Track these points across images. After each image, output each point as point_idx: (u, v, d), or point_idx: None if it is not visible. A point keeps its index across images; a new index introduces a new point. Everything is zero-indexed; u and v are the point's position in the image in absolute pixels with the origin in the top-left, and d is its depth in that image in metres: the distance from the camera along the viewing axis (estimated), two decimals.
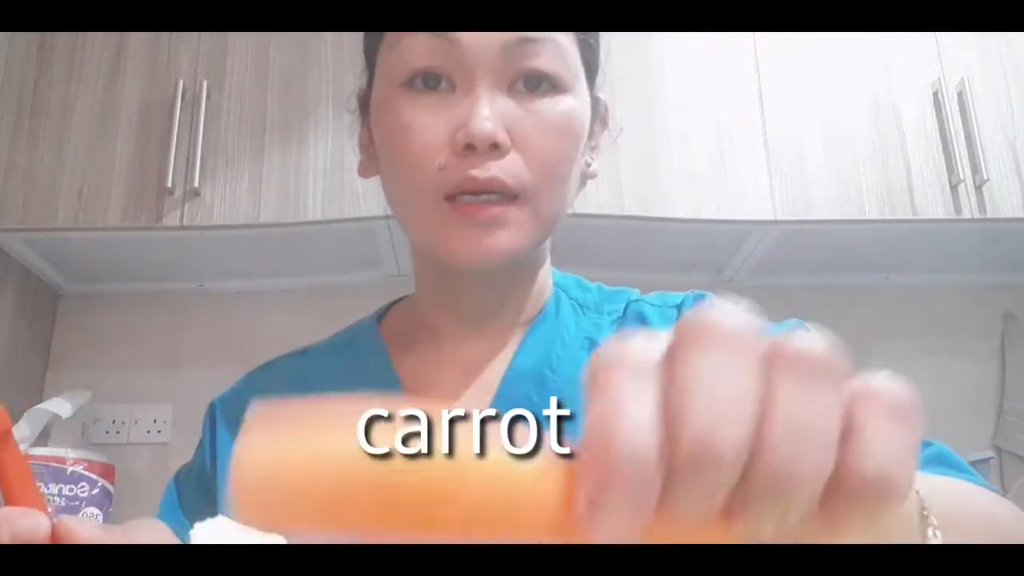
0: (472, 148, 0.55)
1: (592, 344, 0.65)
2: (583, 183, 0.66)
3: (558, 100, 0.58)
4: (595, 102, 0.65)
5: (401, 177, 0.59)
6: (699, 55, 1.70)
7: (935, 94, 1.68)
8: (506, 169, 0.56)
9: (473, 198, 0.56)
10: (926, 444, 0.55)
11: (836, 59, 1.72)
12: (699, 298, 0.67)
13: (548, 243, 0.67)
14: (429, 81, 0.57)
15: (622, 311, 0.68)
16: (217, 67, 1.68)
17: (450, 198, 0.56)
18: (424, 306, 0.68)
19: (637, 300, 0.68)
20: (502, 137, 0.55)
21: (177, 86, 1.64)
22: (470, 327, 0.66)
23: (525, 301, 0.66)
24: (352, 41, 1.70)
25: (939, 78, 1.69)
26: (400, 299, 0.74)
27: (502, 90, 0.57)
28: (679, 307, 0.66)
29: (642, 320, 0.66)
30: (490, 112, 0.55)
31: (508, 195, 0.56)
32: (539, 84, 0.58)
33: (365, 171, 0.67)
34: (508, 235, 0.57)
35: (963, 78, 1.67)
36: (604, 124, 0.69)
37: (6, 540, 0.39)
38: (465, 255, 0.57)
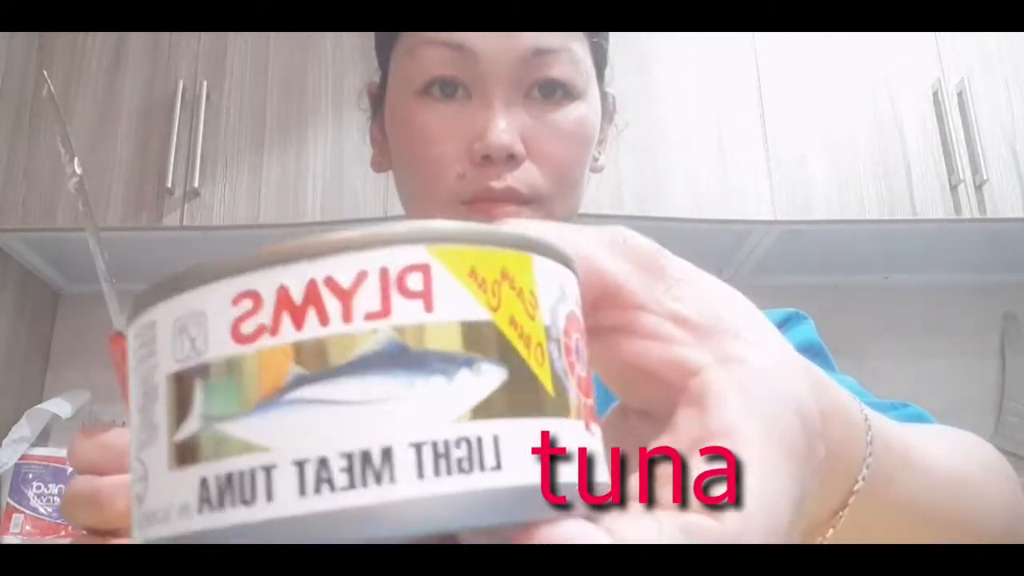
0: (489, 159, 0.57)
1: None
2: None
3: (571, 108, 0.60)
4: (604, 97, 0.66)
5: (419, 183, 0.61)
6: (699, 55, 1.70)
7: (935, 94, 1.68)
8: (521, 179, 0.58)
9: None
10: (903, 405, 0.56)
11: (836, 59, 1.71)
12: (799, 318, 0.66)
13: None
14: (447, 89, 0.59)
15: None
16: (217, 67, 1.68)
17: (467, 203, 0.59)
18: None
19: None
20: (518, 149, 0.58)
21: (177, 86, 1.64)
22: None
23: None
24: (352, 41, 1.70)
25: (939, 78, 1.69)
26: None
27: (518, 98, 0.59)
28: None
29: None
30: (506, 124, 0.58)
31: (523, 202, 0.59)
32: (553, 92, 0.60)
33: (378, 166, 0.69)
34: None
35: (963, 78, 1.67)
36: (611, 119, 0.70)
37: None
38: None
